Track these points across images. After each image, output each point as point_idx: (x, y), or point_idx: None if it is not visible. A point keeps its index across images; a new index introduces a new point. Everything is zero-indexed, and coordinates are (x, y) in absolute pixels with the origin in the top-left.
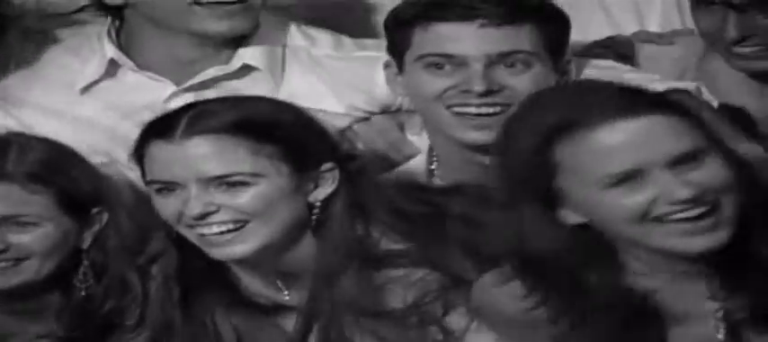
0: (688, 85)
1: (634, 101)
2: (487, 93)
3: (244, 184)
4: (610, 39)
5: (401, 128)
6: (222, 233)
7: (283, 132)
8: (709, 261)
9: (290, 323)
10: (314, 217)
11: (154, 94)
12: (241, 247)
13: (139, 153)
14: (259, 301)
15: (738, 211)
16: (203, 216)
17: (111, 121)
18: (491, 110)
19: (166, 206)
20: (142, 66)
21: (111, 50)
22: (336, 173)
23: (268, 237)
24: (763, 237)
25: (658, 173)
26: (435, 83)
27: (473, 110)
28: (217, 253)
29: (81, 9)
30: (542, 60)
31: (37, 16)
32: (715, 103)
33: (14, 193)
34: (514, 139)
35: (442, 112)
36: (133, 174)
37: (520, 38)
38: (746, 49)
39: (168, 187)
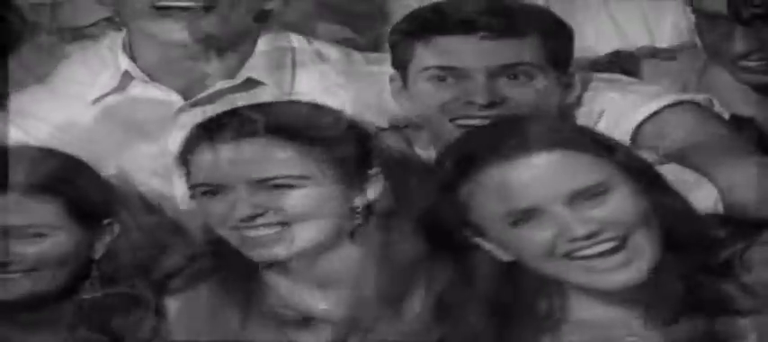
0: (696, 96)
1: (532, 138)
2: (490, 105)
3: (290, 186)
4: (615, 53)
5: (408, 143)
6: (268, 234)
7: (329, 136)
8: (642, 294)
9: (312, 338)
10: (357, 222)
11: (162, 106)
12: (285, 248)
13: (185, 157)
14: (286, 313)
15: (656, 242)
16: (252, 217)
17: (120, 133)
18: None
19: (212, 209)
20: (153, 77)
21: (125, 62)
22: (381, 177)
23: (312, 239)
24: (694, 266)
25: (558, 210)
26: (438, 95)
27: (476, 122)
28: (260, 254)
29: (95, 23)
30: (545, 72)
31: (51, 30)
32: (726, 115)
33: (23, 203)
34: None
35: (445, 124)
36: (144, 187)
37: (521, 50)
38: (752, 63)
39: (216, 190)
